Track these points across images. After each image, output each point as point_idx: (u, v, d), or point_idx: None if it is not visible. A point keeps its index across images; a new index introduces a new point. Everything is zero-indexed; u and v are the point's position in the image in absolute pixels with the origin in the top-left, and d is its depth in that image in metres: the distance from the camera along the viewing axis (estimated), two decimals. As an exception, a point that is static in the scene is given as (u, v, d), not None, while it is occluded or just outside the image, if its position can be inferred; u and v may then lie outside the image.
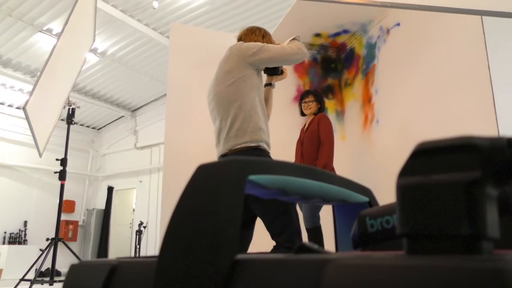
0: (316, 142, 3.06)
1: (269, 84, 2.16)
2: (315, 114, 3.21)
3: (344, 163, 3.42)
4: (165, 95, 3.41)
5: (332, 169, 3.00)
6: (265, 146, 1.75)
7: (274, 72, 2.14)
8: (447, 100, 2.74)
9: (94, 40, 4.53)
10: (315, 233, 2.86)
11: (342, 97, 4.13)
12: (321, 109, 3.25)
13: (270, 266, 0.27)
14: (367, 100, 3.72)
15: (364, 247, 0.37)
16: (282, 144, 3.51)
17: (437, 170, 0.23)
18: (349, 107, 4.03)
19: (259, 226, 3.19)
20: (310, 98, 3.25)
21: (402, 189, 0.24)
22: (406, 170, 0.25)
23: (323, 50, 4.18)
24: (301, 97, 3.33)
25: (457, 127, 2.60)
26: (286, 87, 3.94)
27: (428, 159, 0.24)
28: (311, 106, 3.21)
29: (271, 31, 4.07)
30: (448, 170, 0.23)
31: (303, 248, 0.30)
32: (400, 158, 0.26)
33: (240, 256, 0.29)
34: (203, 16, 5.74)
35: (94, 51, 6.65)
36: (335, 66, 4.22)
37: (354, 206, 0.47)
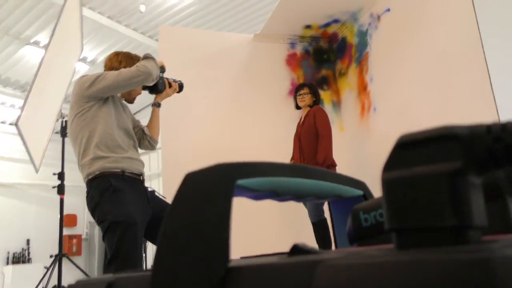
0: (314, 136, 3.06)
1: (154, 104, 2.15)
2: (310, 106, 3.21)
3: (344, 154, 3.42)
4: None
5: (332, 161, 3.01)
6: (113, 170, 1.76)
7: (154, 90, 2.08)
8: (443, 81, 2.74)
9: (82, 50, 4.53)
10: (321, 226, 2.87)
11: (337, 87, 4.13)
12: (316, 101, 3.26)
13: (262, 272, 0.27)
14: (363, 88, 3.73)
15: (360, 242, 0.37)
16: (278, 139, 3.52)
17: (419, 162, 0.24)
18: (345, 97, 4.03)
19: (254, 226, 3.18)
20: (305, 90, 3.26)
21: (386, 183, 0.25)
22: (389, 164, 0.25)
23: (315, 42, 4.18)
24: (296, 90, 3.34)
25: (455, 107, 2.60)
26: (280, 81, 3.94)
27: (410, 152, 0.24)
28: (305, 98, 3.22)
29: (260, 26, 4.06)
30: (431, 162, 0.23)
31: (296, 249, 0.30)
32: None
33: (233, 263, 0.30)
34: (192, 16, 5.73)
35: (83, 60, 6.63)
36: (328, 57, 4.21)
37: (349, 200, 0.47)
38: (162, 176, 3.48)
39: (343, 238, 0.48)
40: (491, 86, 2.33)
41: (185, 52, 3.63)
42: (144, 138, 2.12)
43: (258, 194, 0.37)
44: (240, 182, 0.33)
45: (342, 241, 0.49)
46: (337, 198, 0.48)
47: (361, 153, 3.63)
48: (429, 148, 0.24)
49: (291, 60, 4.09)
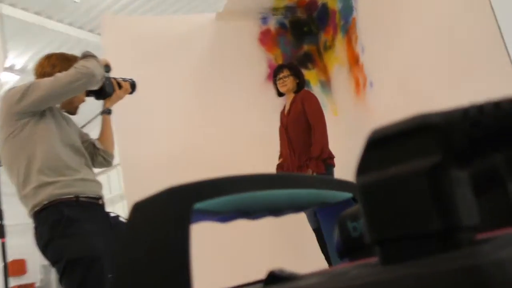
0: (304, 124, 3.09)
1: (104, 112, 2.16)
2: (295, 92, 3.24)
3: (340, 142, 3.45)
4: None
5: (330, 154, 3.05)
6: (65, 197, 1.76)
7: (101, 94, 2.08)
8: (446, 39, 2.77)
9: (6, 56, 4.44)
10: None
11: (324, 63, 4.17)
12: (300, 84, 3.29)
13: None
14: (354, 61, 3.77)
15: (351, 256, 0.38)
16: (262, 135, 3.53)
17: (395, 161, 0.24)
18: (334, 74, 4.07)
19: (250, 238, 3.19)
20: (285, 72, 3.28)
21: (362, 189, 0.25)
22: (363, 166, 0.26)
23: (290, 13, 4.19)
24: (274, 74, 3.36)
25: (465, 70, 2.64)
26: (254, 66, 3.95)
27: (384, 150, 0.25)
28: (286, 82, 3.24)
29: (222, 3, 4.05)
30: (407, 159, 0.24)
31: (272, 277, 0.31)
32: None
33: (200, 303, 0.30)
34: (136, 2, 5.68)
35: (10, 69, 6.51)
36: (308, 29, 4.24)
37: (338, 206, 0.48)
38: (126, 198, 3.46)
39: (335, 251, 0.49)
40: (504, 41, 2.38)
41: (135, 45, 3.60)
42: (96, 153, 2.11)
43: (224, 216, 0.38)
44: (199, 205, 0.33)
45: (335, 254, 0.50)
46: (323, 206, 0.49)
47: (362, 138, 3.65)
48: (403, 143, 0.25)
49: (265, 39, 4.10)
